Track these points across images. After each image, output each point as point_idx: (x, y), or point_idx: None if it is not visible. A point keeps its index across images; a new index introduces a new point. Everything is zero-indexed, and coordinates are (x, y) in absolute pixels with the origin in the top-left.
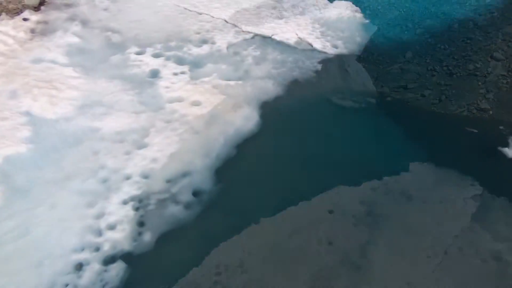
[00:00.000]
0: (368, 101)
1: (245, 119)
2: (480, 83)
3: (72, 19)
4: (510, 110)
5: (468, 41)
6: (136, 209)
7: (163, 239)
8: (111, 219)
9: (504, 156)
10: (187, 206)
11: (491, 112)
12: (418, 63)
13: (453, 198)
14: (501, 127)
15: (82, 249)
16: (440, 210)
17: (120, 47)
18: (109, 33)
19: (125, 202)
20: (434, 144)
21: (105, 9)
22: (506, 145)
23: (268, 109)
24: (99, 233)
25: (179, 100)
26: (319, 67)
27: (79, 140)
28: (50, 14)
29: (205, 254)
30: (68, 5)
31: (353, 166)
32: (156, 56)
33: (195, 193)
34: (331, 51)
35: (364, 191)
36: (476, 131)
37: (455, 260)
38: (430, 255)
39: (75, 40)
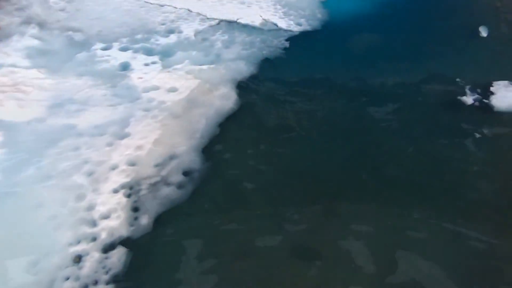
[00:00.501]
0: (334, 70)
1: (224, 99)
2: None
3: (27, 22)
4: None
5: None
6: (128, 195)
7: (160, 221)
8: (103, 208)
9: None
10: (179, 186)
11: None
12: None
13: None
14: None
15: (79, 242)
16: None
17: (84, 45)
18: (70, 33)
19: (115, 191)
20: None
21: (62, 10)
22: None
23: (244, 87)
24: (94, 223)
25: (155, 88)
26: (286, 44)
27: (56, 139)
28: (1, 20)
29: (204, 229)
30: (20, 9)
31: (331, 134)
32: (123, 49)
33: (185, 173)
34: (295, 28)
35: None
36: None
37: None
38: None
39: (34, 42)
